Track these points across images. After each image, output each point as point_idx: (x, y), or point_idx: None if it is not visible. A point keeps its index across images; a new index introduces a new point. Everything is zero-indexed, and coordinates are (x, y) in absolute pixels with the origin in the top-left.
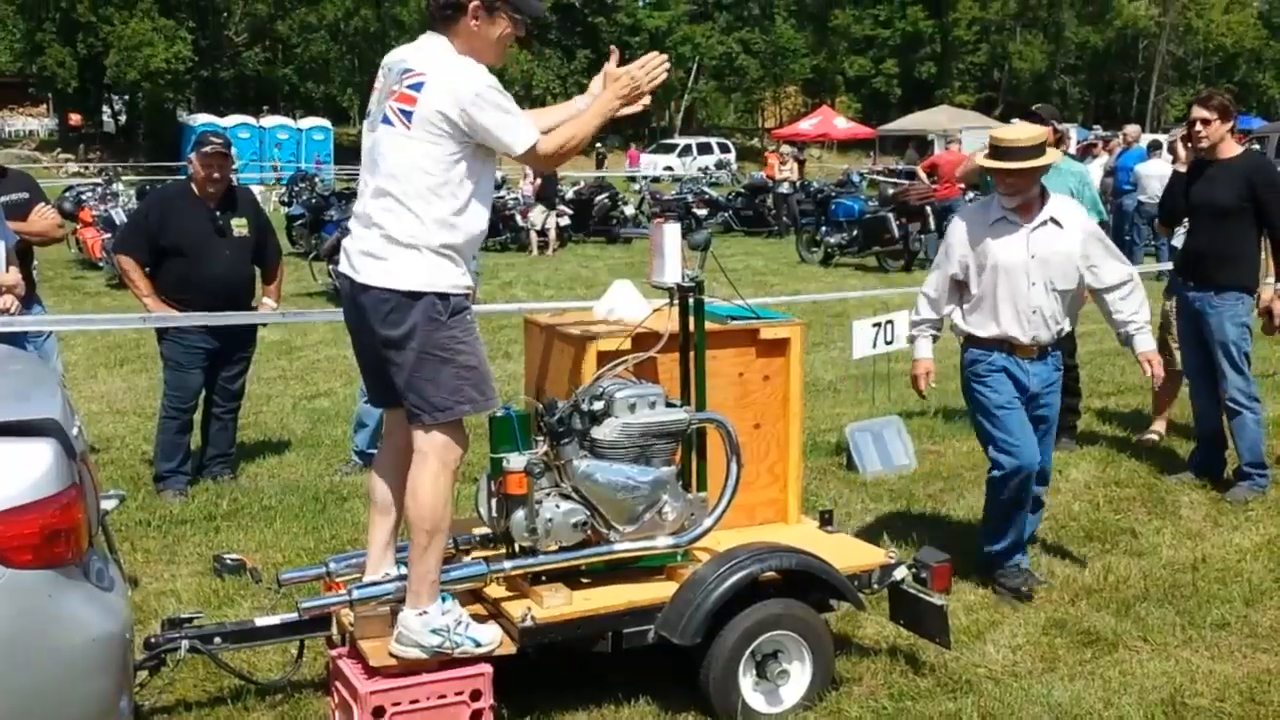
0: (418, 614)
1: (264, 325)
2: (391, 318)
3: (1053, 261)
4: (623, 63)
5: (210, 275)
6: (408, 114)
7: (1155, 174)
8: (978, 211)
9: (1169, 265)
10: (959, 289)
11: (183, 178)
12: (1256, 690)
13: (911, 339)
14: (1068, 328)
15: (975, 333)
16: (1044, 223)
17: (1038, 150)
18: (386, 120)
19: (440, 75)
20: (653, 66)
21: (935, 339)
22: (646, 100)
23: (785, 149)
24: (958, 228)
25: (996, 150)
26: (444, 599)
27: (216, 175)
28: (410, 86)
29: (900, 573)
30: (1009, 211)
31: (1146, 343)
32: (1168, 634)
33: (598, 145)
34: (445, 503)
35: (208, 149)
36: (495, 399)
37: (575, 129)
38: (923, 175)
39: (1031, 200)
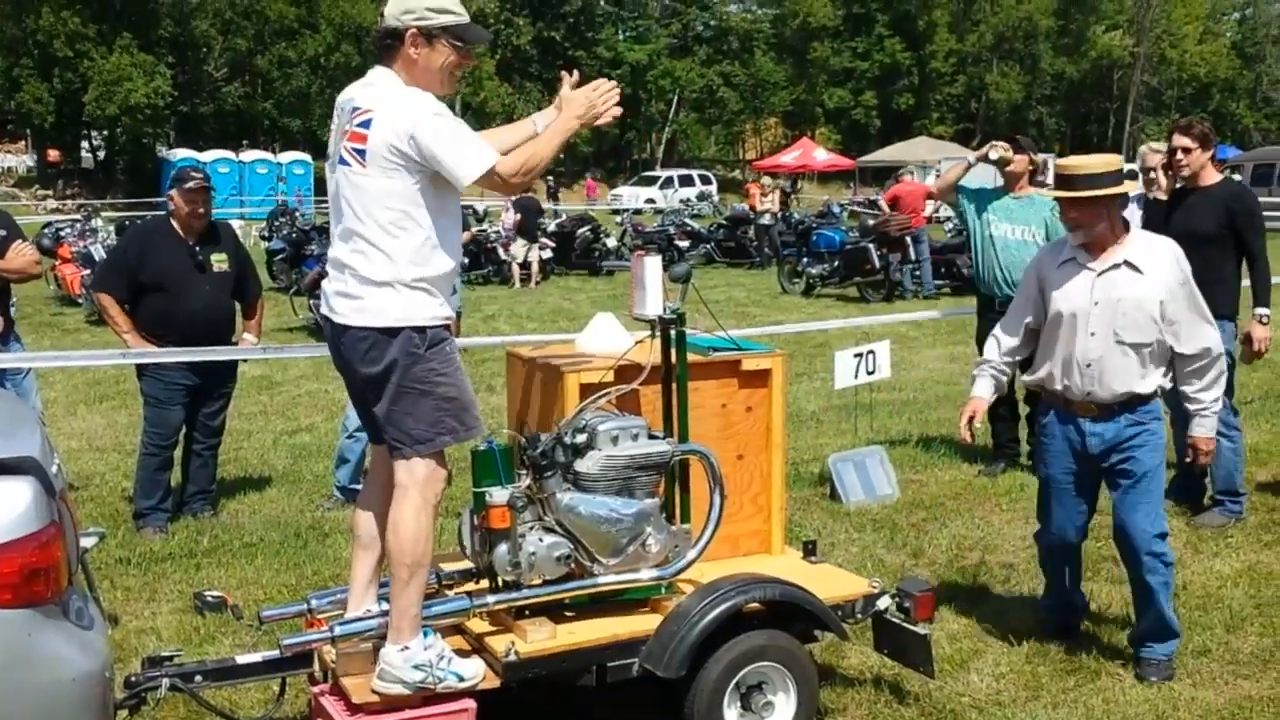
0: (400, 649)
1: (245, 361)
2: (370, 355)
3: (1120, 310)
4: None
5: (190, 311)
6: (361, 152)
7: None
8: (1050, 252)
9: None
10: (1033, 337)
11: (163, 213)
12: (1238, 716)
13: (972, 378)
14: (1148, 387)
15: (1035, 383)
16: (1117, 265)
17: (1104, 179)
18: (343, 161)
19: (387, 109)
20: (605, 89)
21: (997, 381)
22: (617, 112)
23: (766, 180)
24: (1029, 270)
25: (1059, 178)
26: (426, 634)
27: (201, 211)
28: (360, 124)
29: (884, 602)
30: (1078, 250)
31: (1204, 429)
32: None
33: (548, 179)
34: (427, 537)
35: (191, 185)
36: (479, 428)
37: (535, 149)
38: (884, 207)
39: (1103, 238)
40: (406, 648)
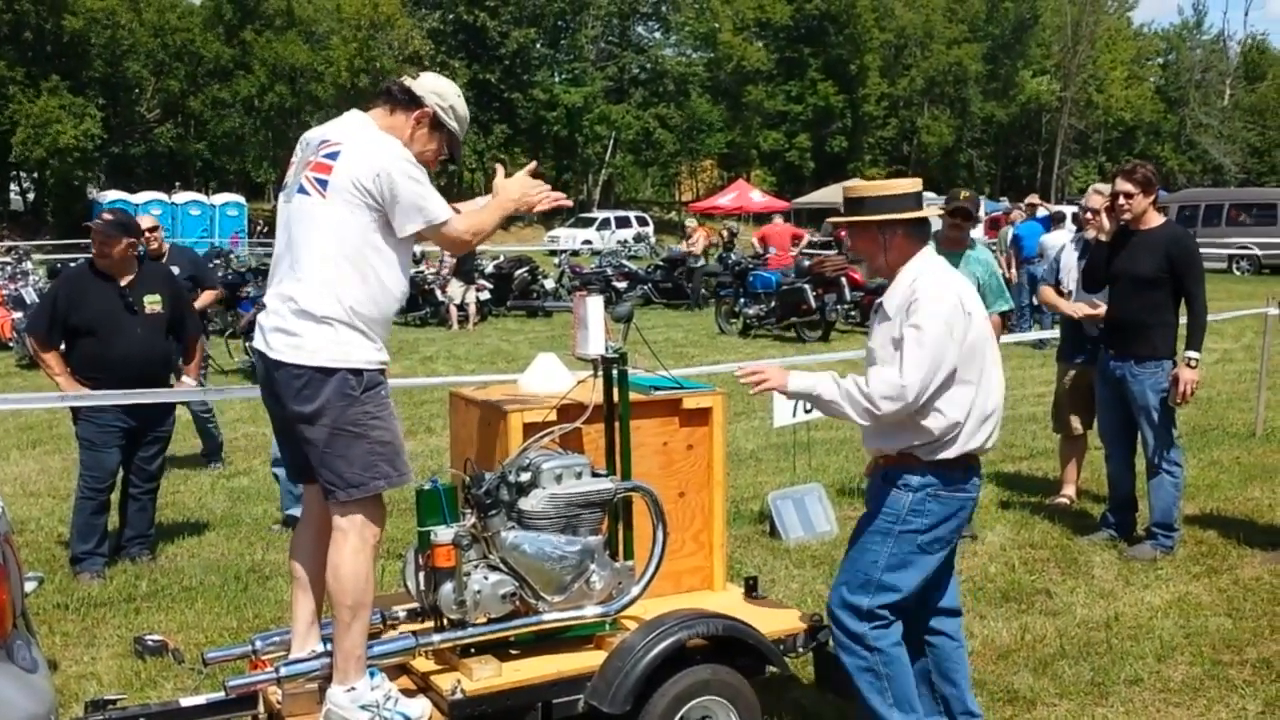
0: (346, 690)
1: (182, 403)
2: (304, 394)
3: (868, 358)
4: (537, 134)
5: (123, 354)
6: (324, 183)
7: (1056, 244)
8: None
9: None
10: None
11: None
12: None
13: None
14: (892, 447)
15: None
16: (880, 306)
17: (877, 203)
18: (303, 190)
19: (358, 144)
20: (543, 189)
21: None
22: (558, 198)
23: (690, 221)
24: None
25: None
26: (372, 674)
27: (107, 253)
28: (327, 155)
29: (824, 636)
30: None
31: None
32: (1084, 691)
33: None
34: (367, 578)
35: (91, 225)
36: (410, 474)
37: (481, 220)
38: (757, 245)
39: (882, 272)
40: (353, 688)
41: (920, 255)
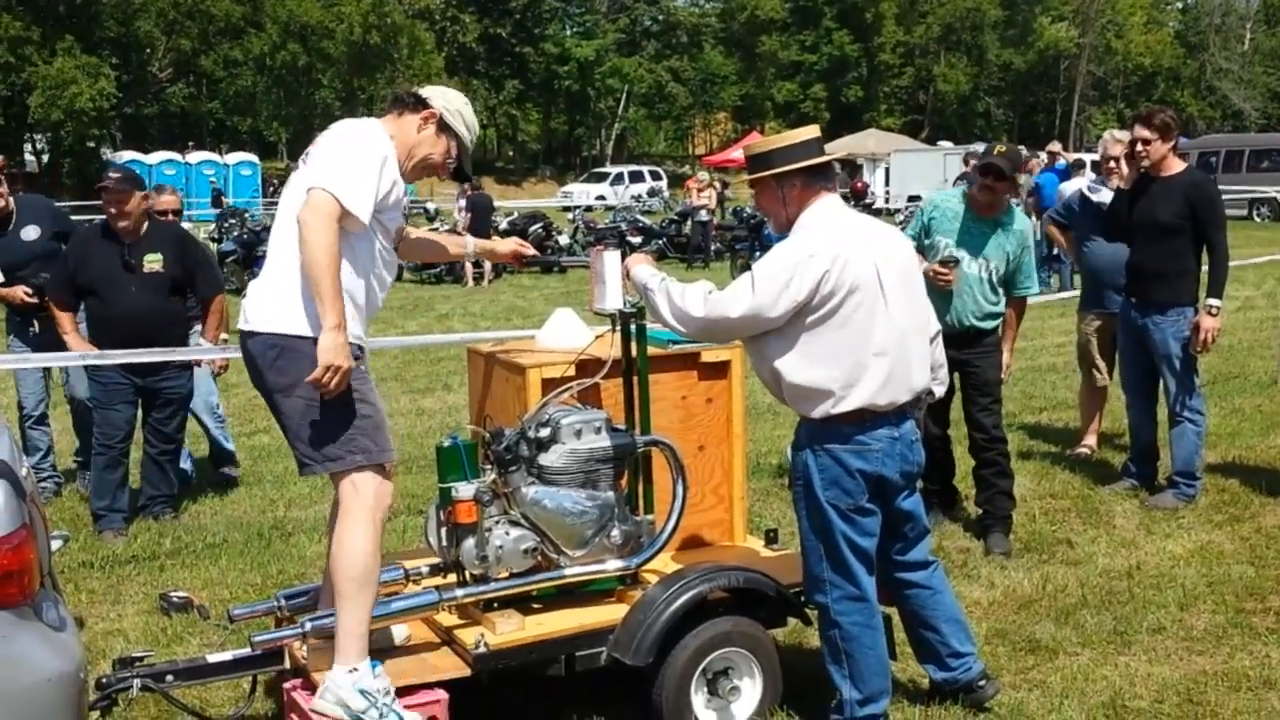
0: (347, 671)
1: (198, 364)
2: (279, 364)
3: None
4: (549, 89)
5: (121, 313)
6: (309, 155)
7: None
8: None
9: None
10: None
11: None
12: (1194, 691)
13: None
14: (796, 410)
15: None
16: None
17: (775, 157)
18: (302, 163)
19: (350, 122)
20: (336, 381)
21: None
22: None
23: (702, 175)
24: None
25: None
26: (374, 665)
27: (114, 211)
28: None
29: None
30: None
31: None
32: (1106, 640)
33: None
34: (372, 552)
35: (102, 184)
36: (392, 450)
37: (324, 269)
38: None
39: (785, 225)
40: (355, 669)
41: (817, 204)
